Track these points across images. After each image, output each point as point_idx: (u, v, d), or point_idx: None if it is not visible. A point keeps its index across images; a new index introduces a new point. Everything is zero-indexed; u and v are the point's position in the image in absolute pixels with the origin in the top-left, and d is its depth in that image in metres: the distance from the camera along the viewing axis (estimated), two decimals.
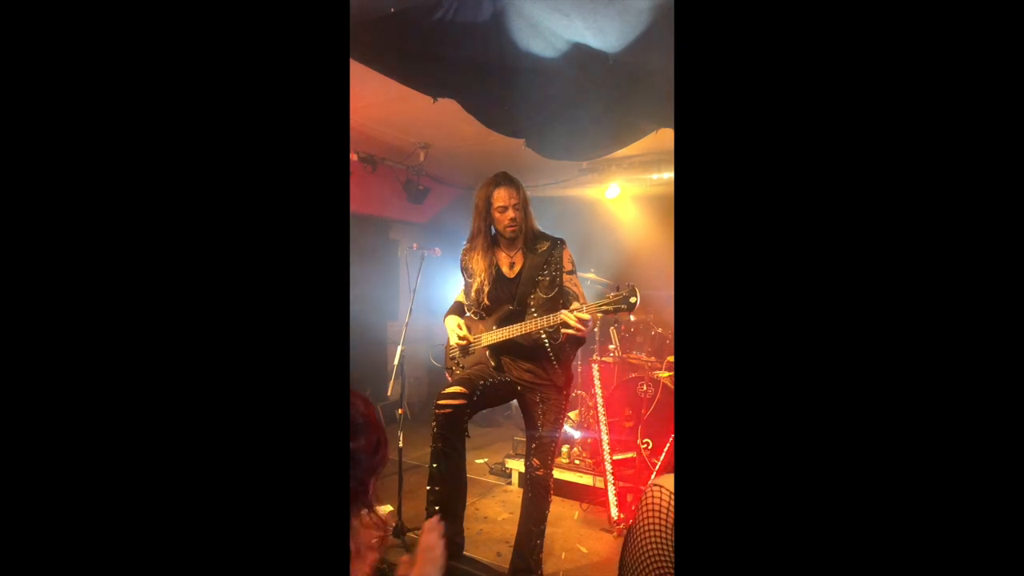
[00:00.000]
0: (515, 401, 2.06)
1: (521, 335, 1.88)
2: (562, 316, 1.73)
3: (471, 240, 2.00)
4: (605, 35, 1.84)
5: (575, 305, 1.78)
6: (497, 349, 1.96)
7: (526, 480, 1.99)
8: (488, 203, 1.93)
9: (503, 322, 1.92)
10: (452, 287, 2.25)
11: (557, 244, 1.94)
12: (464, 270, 2.06)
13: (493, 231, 2.00)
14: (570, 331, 1.72)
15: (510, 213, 1.91)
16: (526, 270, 1.92)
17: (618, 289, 1.73)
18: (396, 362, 2.44)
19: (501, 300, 1.96)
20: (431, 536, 0.88)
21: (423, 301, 2.58)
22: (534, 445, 1.97)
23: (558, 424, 1.97)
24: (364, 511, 0.80)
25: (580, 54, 1.96)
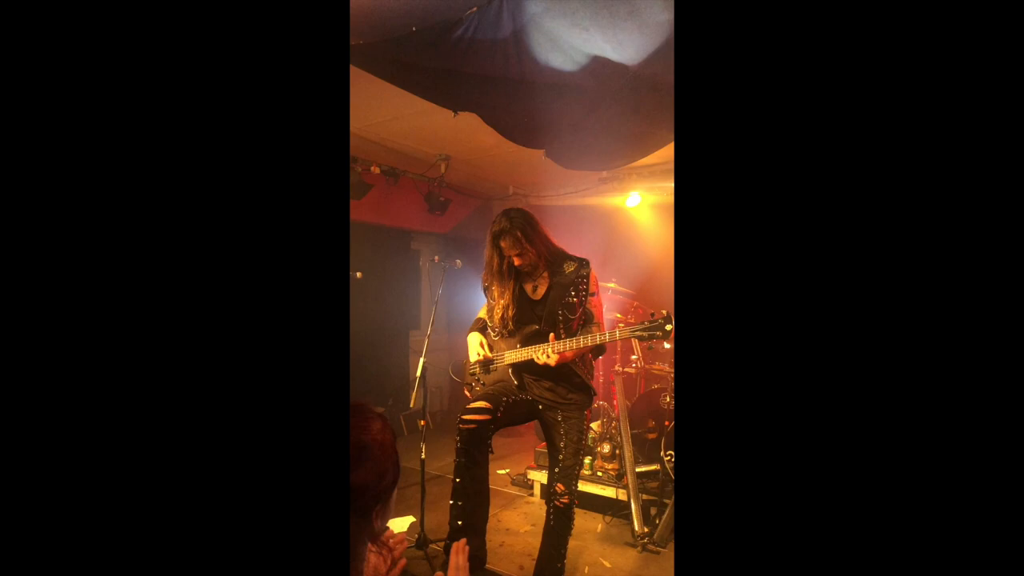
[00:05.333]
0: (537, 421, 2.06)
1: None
2: (537, 353, 1.85)
3: (489, 270, 2.01)
4: (624, 48, 1.84)
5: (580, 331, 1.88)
6: (519, 368, 1.97)
7: (548, 506, 1.99)
8: (499, 248, 1.94)
9: (528, 341, 1.93)
10: (473, 298, 2.27)
11: (584, 265, 1.94)
12: (486, 291, 2.07)
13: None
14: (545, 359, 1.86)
15: (517, 261, 1.92)
16: (553, 291, 1.92)
17: (653, 315, 1.74)
18: (419, 373, 2.46)
19: (526, 320, 1.96)
20: (460, 557, 0.89)
21: (444, 312, 2.60)
22: (557, 469, 1.96)
23: (580, 443, 1.96)
24: (369, 544, 0.79)
25: (599, 67, 1.96)
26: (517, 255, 1.90)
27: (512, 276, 1.97)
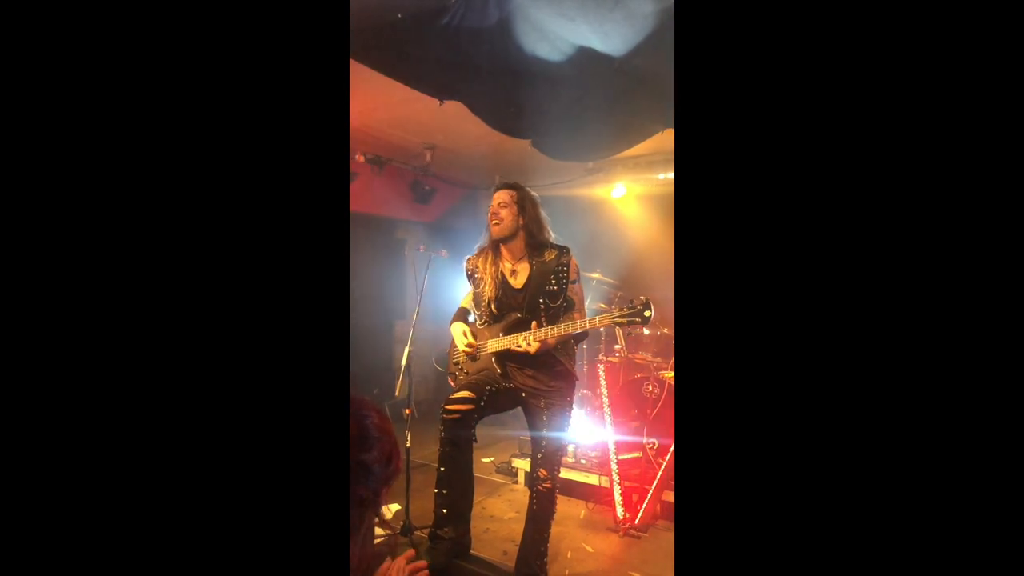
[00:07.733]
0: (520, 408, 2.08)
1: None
2: (519, 340, 1.85)
3: (480, 247, 2.05)
4: (610, 39, 1.85)
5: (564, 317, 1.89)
6: (503, 356, 1.98)
7: (531, 491, 2.01)
8: (491, 210, 1.97)
9: (510, 330, 1.94)
10: (458, 289, 2.27)
11: (564, 252, 1.95)
12: (470, 277, 2.08)
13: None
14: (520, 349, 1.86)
15: (495, 228, 1.94)
16: (534, 278, 1.93)
17: (632, 302, 1.76)
18: (404, 362, 2.46)
19: (508, 308, 1.97)
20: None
21: (430, 302, 2.60)
22: (540, 455, 1.97)
23: (563, 430, 1.99)
24: (390, 559, 0.82)
25: (585, 58, 1.97)
26: (500, 205, 1.92)
27: (495, 252, 1.98)
